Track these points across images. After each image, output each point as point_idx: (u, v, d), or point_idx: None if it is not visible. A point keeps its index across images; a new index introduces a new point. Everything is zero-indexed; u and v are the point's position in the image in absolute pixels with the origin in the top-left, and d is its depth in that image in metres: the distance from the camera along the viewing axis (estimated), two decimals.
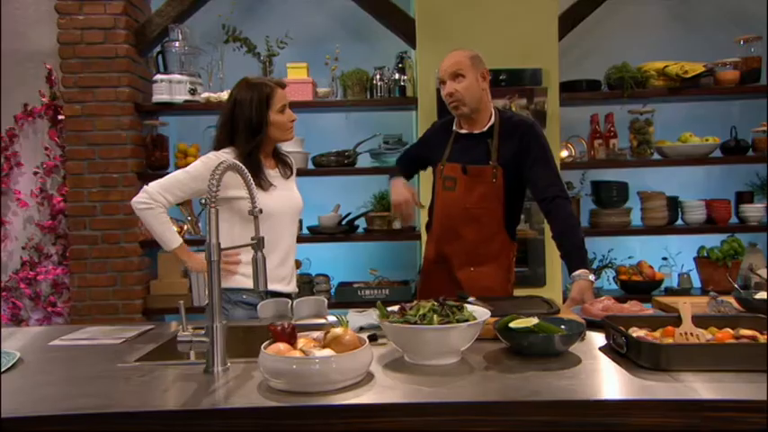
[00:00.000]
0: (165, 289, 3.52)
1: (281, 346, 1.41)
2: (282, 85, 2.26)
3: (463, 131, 2.37)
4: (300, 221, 3.64)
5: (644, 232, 3.66)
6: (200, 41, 3.63)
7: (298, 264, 3.64)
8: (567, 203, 2.24)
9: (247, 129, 2.17)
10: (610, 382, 1.40)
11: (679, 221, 3.71)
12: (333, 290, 3.63)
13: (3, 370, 1.49)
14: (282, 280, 2.28)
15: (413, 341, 1.49)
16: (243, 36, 3.56)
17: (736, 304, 1.89)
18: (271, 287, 2.22)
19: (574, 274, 2.13)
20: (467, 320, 1.49)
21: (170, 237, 2.20)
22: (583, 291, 2.09)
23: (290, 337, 1.44)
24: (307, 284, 3.60)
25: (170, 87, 3.46)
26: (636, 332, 1.62)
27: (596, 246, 3.76)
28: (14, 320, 4.05)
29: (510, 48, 3.33)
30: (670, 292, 3.63)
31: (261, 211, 1.73)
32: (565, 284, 3.65)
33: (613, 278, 3.70)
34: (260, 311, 2.10)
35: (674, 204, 3.67)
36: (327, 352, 1.37)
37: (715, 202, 3.66)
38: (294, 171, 2.39)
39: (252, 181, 1.70)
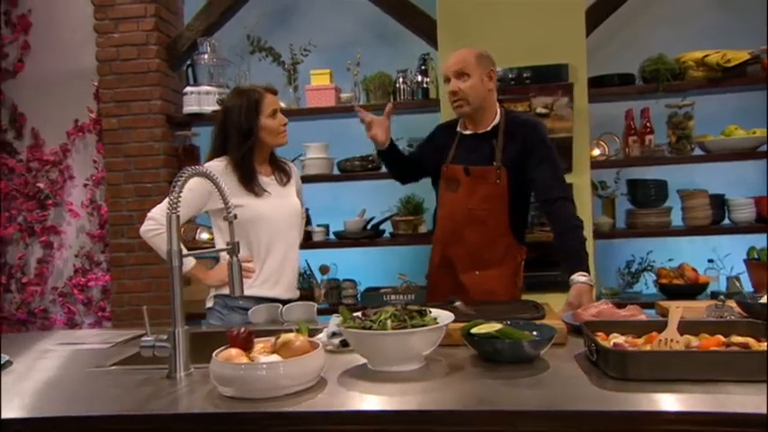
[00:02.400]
0: (197, 294, 3.61)
1: (234, 351, 1.41)
2: (273, 91, 2.29)
3: (467, 132, 2.32)
4: (327, 227, 3.67)
5: (686, 233, 3.44)
6: (228, 53, 3.73)
7: (325, 269, 3.68)
8: (570, 205, 2.15)
9: (238, 135, 2.21)
10: (570, 391, 1.32)
11: (726, 221, 3.47)
12: (359, 295, 3.62)
13: None
14: (279, 285, 2.28)
15: (370, 347, 1.47)
16: (268, 46, 3.63)
17: (738, 309, 1.74)
18: (268, 293, 2.27)
19: (572, 277, 2.03)
20: (424, 326, 1.44)
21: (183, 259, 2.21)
22: (580, 295, 1.99)
23: (244, 342, 1.45)
24: (334, 290, 3.61)
25: (199, 99, 3.56)
26: (616, 338, 1.53)
27: (634, 247, 3.58)
28: (69, 325, 4.29)
29: (534, 44, 3.22)
30: (716, 296, 3.39)
31: (235, 216, 1.75)
32: (600, 289, 3.50)
33: (653, 282, 3.51)
34: (251, 316, 2.12)
35: (719, 203, 3.44)
36: (274, 357, 1.37)
37: (766, 199, 3.40)
38: (292, 177, 2.40)
39: (224, 187, 1.72)
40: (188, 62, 3.68)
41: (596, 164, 3.43)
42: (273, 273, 2.27)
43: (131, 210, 3.65)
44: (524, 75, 3.27)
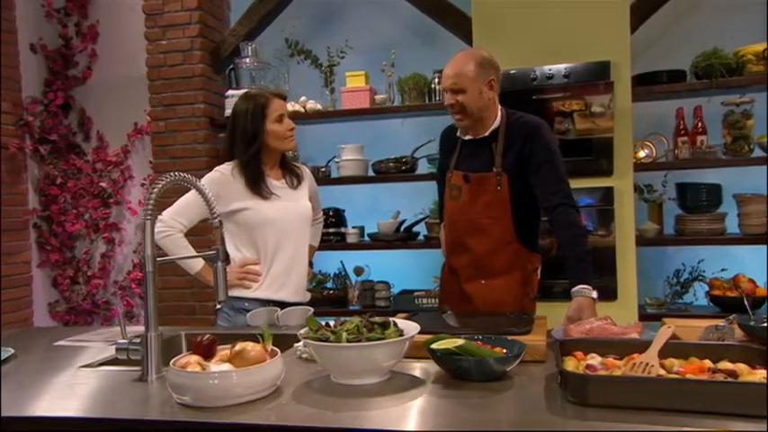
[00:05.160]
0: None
1: (193, 358, 1.43)
2: (282, 96, 2.30)
3: (467, 138, 2.23)
4: (362, 229, 3.67)
5: (742, 241, 3.18)
6: (270, 57, 3.79)
7: (360, 271, 3.68)
8: (573, 211, 2.02)
9: (244, 139, 2.24)
10: (520, 416, 1.24)
11: None
12: (392, 297, 3.59)
13: None
14: (285, 289, 2.29)
15: (326, 358, 1.44)
16: (307, 49, 3.66)
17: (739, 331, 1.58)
18: (274, 296, 2.29)
19: (573, 290, 1.92)
20: (381, 339, 1.40)
21: (191, 261, 2.26)
22: (581, 309, 1.87)
23: (206, 349, 1.46)
24: (368, 291, 3.61)
25: None
26: (593, 359, 1.43)
27: (684, 256, 3.35)
28: (128, 317, 4.53)
29: (574, 42, 3.08)
30: None
31: (221, 222, 1.78)
32: (643, 298, 3.30)
33: (705, 293, 3.26)
34: (249, 320, 2.14)
35: None
36: (226, 366, 1.37)
37: None
38: (305, 181, 2.40)
39: (209, 193, 1.74)
40: (230, 66, 3.78)
41: (642, 166, 3.24)
42: (280, 276, 2.29)
43: None
44: (563, 73, 3.13)
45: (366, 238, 3.65)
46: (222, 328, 2.28)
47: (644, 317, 3.11)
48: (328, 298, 3.60)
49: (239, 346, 1.41)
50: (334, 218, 3.61)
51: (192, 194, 2.28)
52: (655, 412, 1.19)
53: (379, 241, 3.54)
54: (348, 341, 1.39)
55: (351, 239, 3.59)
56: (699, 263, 3.30)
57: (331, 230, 3.58)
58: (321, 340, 1.43)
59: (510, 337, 1.55)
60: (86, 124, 4.59)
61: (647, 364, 1.34)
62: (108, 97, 4.51)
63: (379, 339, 1.40)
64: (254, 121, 2.23)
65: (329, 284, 3.73)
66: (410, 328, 1.49)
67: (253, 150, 2.23)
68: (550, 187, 2.04)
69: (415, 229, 3.56)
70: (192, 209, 2.24)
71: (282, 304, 2.26)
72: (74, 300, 4.57)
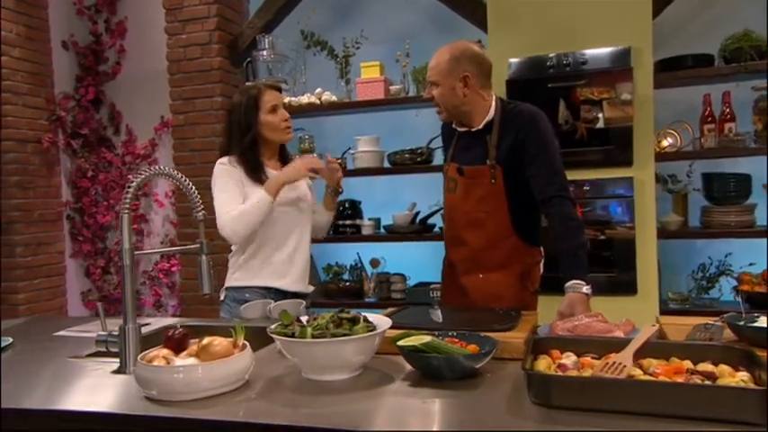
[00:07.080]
0: None
1: (162, 352, 1.43)
2: (276, 88, 2.29)
3: (462, 129, 2.17)
4: (378, 221, 3.64)
5: None
6: (287, 48, 3.79)
7: (376, 263, 3.66)
8: (568, 203, 1.94)
9: (239, 131, 2.24)
10: (479, 416, 1.20)
11: None
12: (408, 290, 3.56)
13: None
14: (287, 277, 2.29)
15: (293, 353, 1.43)
16: (323, 40, 3.65)
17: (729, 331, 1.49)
18: (275, 284, 2.29)
19: (566, 284, 1.84)
20: (347, 335, 1.38)
21: (259, 198, 2.17)
22: (573, 305, 1.79)
23: (177, 343, 1.47)
24: (384, 283, 3.59)
25: None
26: (568, 358, 1.37)
27: (710, 249, 3.20)
28: (156, 306, 4.64)
29: (591, 27, 2.97)
30: None
31: (204, 215, 1.78)
32: (665, 293, 3.17)
33: (732, 288, 3.11)
34: (243, 313, 2.13)
35: None
36: (191, 360, 1.37)
37: None
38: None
39: (191, 185, 1.75)
40: (248, 59, 3.79)
41: (665, 156, 3.11)
42: (282, 263, 2.29)
43: None
44: (580, 60, 3.02)
45: (382, 230, 3.63)
46: (224, 321, 2.29)
47: (666, 312, 2.99)
48: (344, 290, 3.60)
49: (206, 340, 1.41)
50: (350, 209, 3.60)
51: (223, 187, 2.23)
52: (621, 415, 1.14)
53: (394, 233, 3.51)
54: (313, 337, 1.37)
55: (366, 231, 3.57)
56: (726, 256, 3.15)
57: (347, 222, 3.57)
58: (288, 335, 1.41)
59: (487, 334, 1.50)
60: (116, 118, 4.69)
61: (619, 364, 1.28)
62: (136, 91, 4.60)
63: (345, 335, 1.37)
64: (247, 112, 2.23)
65: (345, 276, 3.73)
66: (382, 323, 1.46)
67: (247, 141, 2.24)
68: (545, 179, 1.97)
69: (431, 220, 3.51)
70: (234, 189, 2.21)
71: (284, 293, 2.26)
72: (105, 289, 4.70)
